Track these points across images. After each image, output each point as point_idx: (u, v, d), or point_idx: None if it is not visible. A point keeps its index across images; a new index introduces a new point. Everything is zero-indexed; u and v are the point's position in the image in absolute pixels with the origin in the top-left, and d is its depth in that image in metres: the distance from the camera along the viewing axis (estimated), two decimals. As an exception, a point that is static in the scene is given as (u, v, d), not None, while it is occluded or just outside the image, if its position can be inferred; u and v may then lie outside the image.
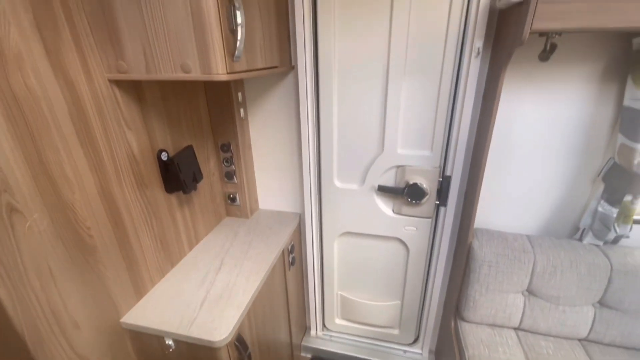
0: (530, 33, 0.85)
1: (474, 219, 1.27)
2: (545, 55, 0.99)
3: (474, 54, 1.13)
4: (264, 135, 1.53)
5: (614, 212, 1.16)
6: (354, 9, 1.19)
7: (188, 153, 1.21)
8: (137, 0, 0.79)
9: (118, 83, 0.93)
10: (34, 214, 0.74)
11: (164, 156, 1.13)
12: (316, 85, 1.36)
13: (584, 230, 1.29)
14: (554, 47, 1.00)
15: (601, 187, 1.20)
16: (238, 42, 0.83)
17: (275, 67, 1.16)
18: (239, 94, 1.39)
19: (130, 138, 1.00)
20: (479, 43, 1.11)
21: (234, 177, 1.51)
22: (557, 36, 1.01)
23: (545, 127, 1.21)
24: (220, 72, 0.82)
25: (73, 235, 0.84)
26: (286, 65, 1.28)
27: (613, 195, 1.16)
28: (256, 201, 1.68)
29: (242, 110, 1.43)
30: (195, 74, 0.84)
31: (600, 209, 1.20)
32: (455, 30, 1.14)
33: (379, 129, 1.36)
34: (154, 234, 1.13)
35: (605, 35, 1.04)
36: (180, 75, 0.85)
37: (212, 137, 1.44)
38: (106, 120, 0.91)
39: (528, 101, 1.18)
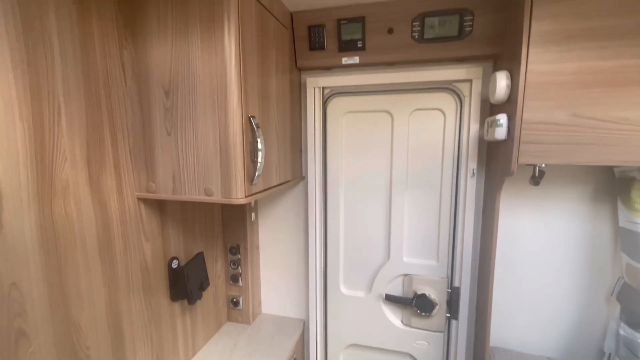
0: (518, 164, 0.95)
1: (489, 337, 1.20)
2: (535, 180, 1.09)
3: (469, 174, 1.23)
4: (272, 237, 1.57)
5: (638, 337, 1.09)
6: (359, 127, 1.36)
7: (198, 261, 1.24)
8: (175, 136, 0.93)
9: (145, 200, 1.02)
10: (39, 337, 0.73)
11: (174, 264, 1.15)
12: (324, 195, 1.46)
13: (610, 355, 1.19)
14: (542, 173, 1.10)
15: (617, 307, 1.16)
16: (257, 172, 0.94)
17: (288, 181, 1.27)
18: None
19: (146, 249, 1.04)
20: (472, 165, 1.23)
21: (239, 280, 1.50)
22: (544, 165, 1.12)
23: (547, 242, 1.24)
24: (239, 196, 0.91)
25: (71, 358, 0.81)
26: (297, 176, 1.40)
27: (632, 318, 1.11)
28: (259, 304, 1.63)
29: (253, 215, 1.51)
30: (216, 198, 0.92)
31: (622, 332, 1.14)
32: (451, 151, 1.27)
33: (384, 237, 1.40)
34: (152, 347, 1.08)
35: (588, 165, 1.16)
36: (202, 198, 0.93)
37: (222, 238, 1.48)
38: (127, 234, 0.97)
39: (527, 217, 1.24)
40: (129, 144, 0.96)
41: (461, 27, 1.13)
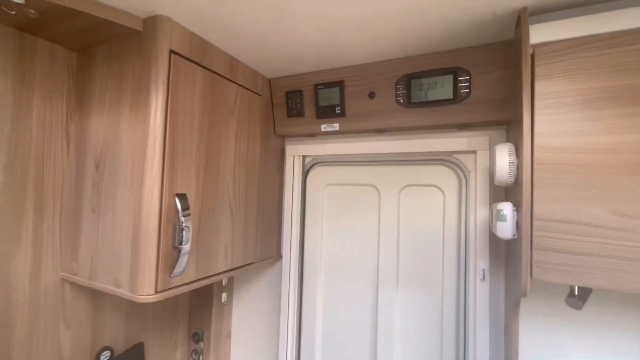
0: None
1: None
2: (575, 302, 0.72)
3: (478, 277, 0.90)
4: (246, 323, 1.33)
5: None
6: (341, 203, 1.15)
7: (135, 354, 1.05)
8: (98, 214, 0.83)
9: (70, 282, 0.91)
10: None
11: (105, 356, 0.98)
12: (300, 279, 1.21)
13: None
14: (586, 292, 0.73)
15: None
16: (180, 260, 0.77)
17: (250, 263, 1.08)
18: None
19: (65, 338, 0.90)
20: (483, 264, 0.90)
21: (200, 375, 1.26)
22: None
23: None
24: (145, 292, 0.74)
25: None
26: (270, 255, 1.19)
27: None
28: (225, 408, 1.34)
29: (224, 295, 1.31)
30: (124, 291, 0.76)
31: None
32: (454, 243, 0.96)
33: (370, 340, 1.07)
34: None
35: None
36: (112, 289, 0.78)
37: (187, 321, 1.30)
38: (37, 321, 0.84)
39: (570, 346, 0.83)
40: (60, 218, 0.89)
41: (456, 89, 0.91)
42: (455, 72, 0.91)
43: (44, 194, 0.85)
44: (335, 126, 1.09)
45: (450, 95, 0.92)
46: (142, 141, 0.76)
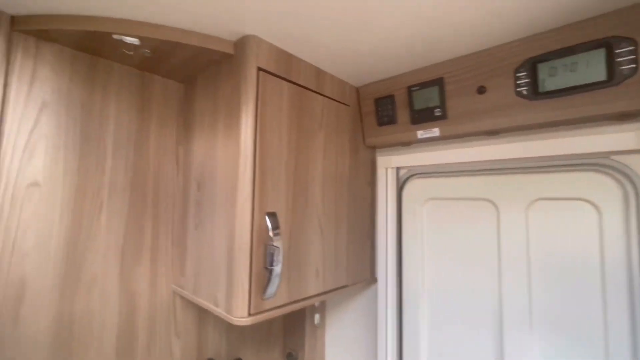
0: None
1: None
2: None
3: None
4: (341, 348, 1.24)
5: None
6: (446, 220, 0.97)
7: (234, 368, 1.07)
8: (200, 232, 0.87)
9: (179, 295, 0.98)
10: None
11: (208, 368, 1.02)
12: (399, 308, 1.06)
13: None
14: None
15: None
16: (271, 283, 0.74)
17: (343, 287, 0.99)
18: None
19: (176, 347, 0.96)
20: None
21: (294, 399, 1.21)
22: None
23: None
24: (239, 314, 0.72)
25: None
26: (364, 278, 1.09)
27: None
28: None
29: (317, 317, 1.25)
30: (221, 312, 0.76)
31: None
32: (622, 277, 0.69)
33: (494, 403, 0.85)
34: None
35: None
36: (212, 307, 0.79)
37: (282, 341, 1.28)
38: (155, 329, 0.92)
39: None
40: (171, 234, 0.97)
41: (612, 66, 0.67)
42: (608, 43, 0.67)
43: (159, 212, 0.94)
44: (435, 131, 0.94)
45: (602, 77, 0.68)
46: (234, 160, 0.76)
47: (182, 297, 0.98)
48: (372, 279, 1.12)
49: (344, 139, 1.03)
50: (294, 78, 0.86)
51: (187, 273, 0.91)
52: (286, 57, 0.84)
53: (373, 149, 1.17)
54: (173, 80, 0.99)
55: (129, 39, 0.74)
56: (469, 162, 0.94)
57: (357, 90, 1.09)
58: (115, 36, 0.73)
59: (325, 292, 0.93)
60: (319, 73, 0.94)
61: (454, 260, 0.96)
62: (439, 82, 0.90)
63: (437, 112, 0.92)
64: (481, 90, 0.84)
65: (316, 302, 0.91)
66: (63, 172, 0.77)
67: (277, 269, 0.75)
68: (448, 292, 0.96)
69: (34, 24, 0.71)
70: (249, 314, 0.73)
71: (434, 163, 0.98)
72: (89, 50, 0.81)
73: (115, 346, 0.85)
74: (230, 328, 1.11)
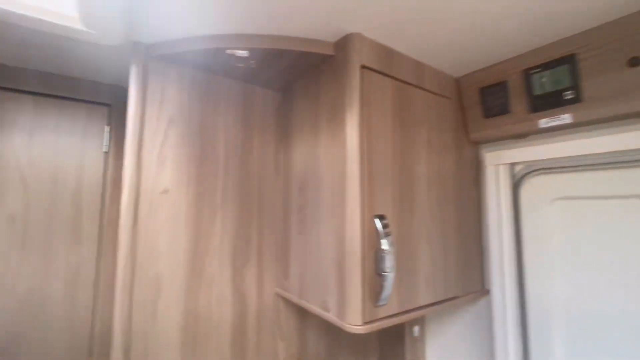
0: None
1: None
2: None
3: None
4: (443, 366, 1.13)
5: None
6: (583, 224, 0.81)
7: (336, 376, 1.04)
8: (303, 236, 0.87)
9: (283, 297, 0.99)
10: None
11: (310, 373, 1.02)
12: (523, 328, 0.92)
13: None
14: None
15: None
16: (384, 290, 0.70)
17: (453, 298, 0.90)
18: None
19: (280, 350, 0.98)
20: None
21: (396, 416, 1.14)
22: None
23: None
24: (354, 322, 0.69)
25: None
26: (475, 290, 0.97)
27: None
28: None
29: (416, 329, 1.16)
30: (332, 317, 0.74)
31: None
32: None
33: None
34: None
35: None
36: (320, 312, 0.78)
37: (378, 351, 1.22)
38: (262, 330, 0.95)
39: None
40: (275, 239, 1.00)
41: None
42: None
43: (263, 217, 0.98)
44: (564, 118, 0.79)
45: None
46: (341, 163, 0.75)
47: (285, 300, 1.00)
48: (483, 291, 1.00)
49: (446, 136, 0.94)
50: (395, 73, 0.82)
51: (291, 276, 0.92)
52: (387, 52, 0.81)
53: (477, 144, 1.05)
54: (271, 90, 1.03)
55: (240, 52, 0.78)
56: (612, 152, 0.77)
57: (457, 81, 1.00)
58: (228, 51, 0.78)
59: (437, 303, 0.85)
60: (418, 66, 0.88)
61: (599, 273, 0.79)
62: (569, 60, 0.76)
63: (568, 95, 0.78)
64: (634, 62, 0.68)
65: (428, 313, 0.84)
66: (187, 180, 0.85)
67: (390, 274, 0.70)
68: (594, 313, 0.79)
69: (165, 49, 0.80)
70: (364, 322, 0.69)
71: (563, 156, 0.84)
72: (202, 68, 0.89)
73: (230, 343, 0.90)
74: (328, 333, 1.09)
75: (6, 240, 0.91)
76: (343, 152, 0.74)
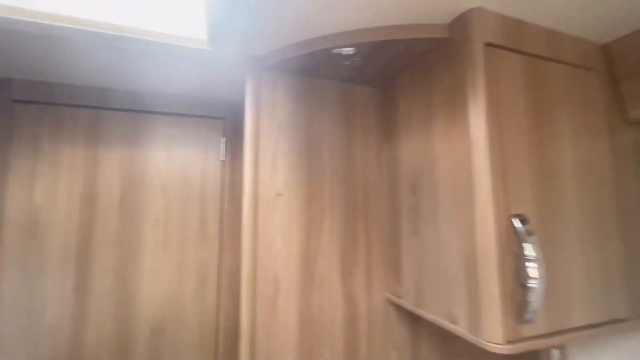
0: None
1: None
2: None
3: None
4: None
5: None
6: None
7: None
8: (417, 239, 0.80)
9: (393, 303, 0.94)
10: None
11: (426, 389, 0.93)
12: None
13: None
14: None
15: None
16: (530, 304, 0.58)
17: (620, 320, 0.71)
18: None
19: (393, 358, 0.92)
20: None
21: None
22: None
23: None
24: (494, 339, 0.59)
25: None
26: (648, 311, 0.75)
27: None
28: None
29: (555, 352, 0.97)
30: (462, 330, 0.66)
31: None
32: None
33: None
34: None
35: None
36: (445, 324, 0.70)
37: (502, 372, 1.06)
38: (374, 337, 0.91)
39: None
40: (382, 241, 0.95)
41: None
42: None
43: (369, 219, 0.95)
44: None
45: None
46: (464, 156, 0.66)
47: (397, 307, 0.94)
48: (661, 314, 0.76)
49: (594, 116, 0.76)
50: (524, 47, 0.70)
51: (404, 282, 0.86)
52: (513, 23, 0.69)
53: (636, 125, 0.82)
54: (371, 88, 1.00)
55: (346, 50, 0.77)
56: None
57: (605, 48, 0.80)
58: (334, 50, 0.77)
59: (596, 325, 0.68)
60: (551, 35, 0.73)
61: None
62: None
63: None
64: None
65: (584, 337, 0.67)
66: (296, 184, 0.88)
67: (538, 285, 0.58)
68: None
69: (275, 58, 0.84)
70: (507, 341, 0.59)
71: None
72: (306, 72, 0.91)
73: (343, 348, 0.88)
74: (445, 345, 0.99)
75: (153, 240, 1.08)
76: (466, 144, 0.65)
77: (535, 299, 0.58)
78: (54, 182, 1.01)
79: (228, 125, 1.20)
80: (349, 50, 0.77)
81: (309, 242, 0.87)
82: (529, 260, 0.59)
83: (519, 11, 0.68)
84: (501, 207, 0.62)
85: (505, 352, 0.58)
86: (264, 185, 0.84)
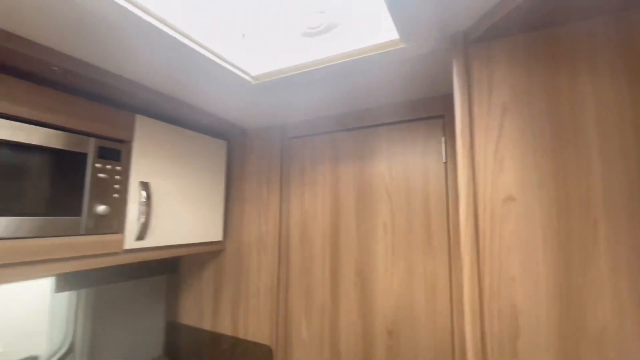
0: None
1: None
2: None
3: None
4: None
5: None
6: None
7: None
8: None
9: None
10: None
11: None
12: None
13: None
14: None
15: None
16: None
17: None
18: None
19: None
20: None
21: None
22: None
23: None
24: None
25: None
26: None
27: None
28: None
29: None
30: None
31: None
32: None
33: None
34: None
35: None
36: None
37: None
38: None
39: None
40: None
41: None
42: None
43: None
44: None
45: None
46: None
47: None
48: None
49: None
50: None
51: None
52: None
53: None
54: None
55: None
56: None
57: None
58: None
59: None
60: None
61: None
62: None
63: None
64: None
65: None
66: (537, 181, 0.62)
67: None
68: None
69: (487, 22, 0.65)
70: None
71: None
72: (540, 24, 0.64)
73: None
74: None
75: (383, 245, 1.14)
76: None
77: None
78: (314, 193, 1.31)
79: (448, 122, 1.07)
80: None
81: (569, 267, 0.59)
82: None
83: None
84: None
85: None
86: (486, 188, 0.66)
